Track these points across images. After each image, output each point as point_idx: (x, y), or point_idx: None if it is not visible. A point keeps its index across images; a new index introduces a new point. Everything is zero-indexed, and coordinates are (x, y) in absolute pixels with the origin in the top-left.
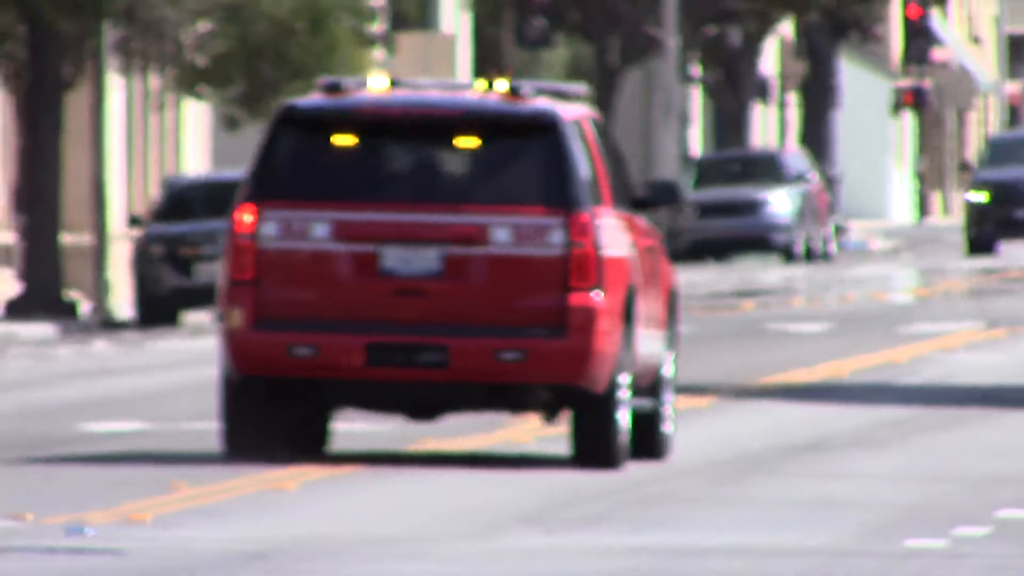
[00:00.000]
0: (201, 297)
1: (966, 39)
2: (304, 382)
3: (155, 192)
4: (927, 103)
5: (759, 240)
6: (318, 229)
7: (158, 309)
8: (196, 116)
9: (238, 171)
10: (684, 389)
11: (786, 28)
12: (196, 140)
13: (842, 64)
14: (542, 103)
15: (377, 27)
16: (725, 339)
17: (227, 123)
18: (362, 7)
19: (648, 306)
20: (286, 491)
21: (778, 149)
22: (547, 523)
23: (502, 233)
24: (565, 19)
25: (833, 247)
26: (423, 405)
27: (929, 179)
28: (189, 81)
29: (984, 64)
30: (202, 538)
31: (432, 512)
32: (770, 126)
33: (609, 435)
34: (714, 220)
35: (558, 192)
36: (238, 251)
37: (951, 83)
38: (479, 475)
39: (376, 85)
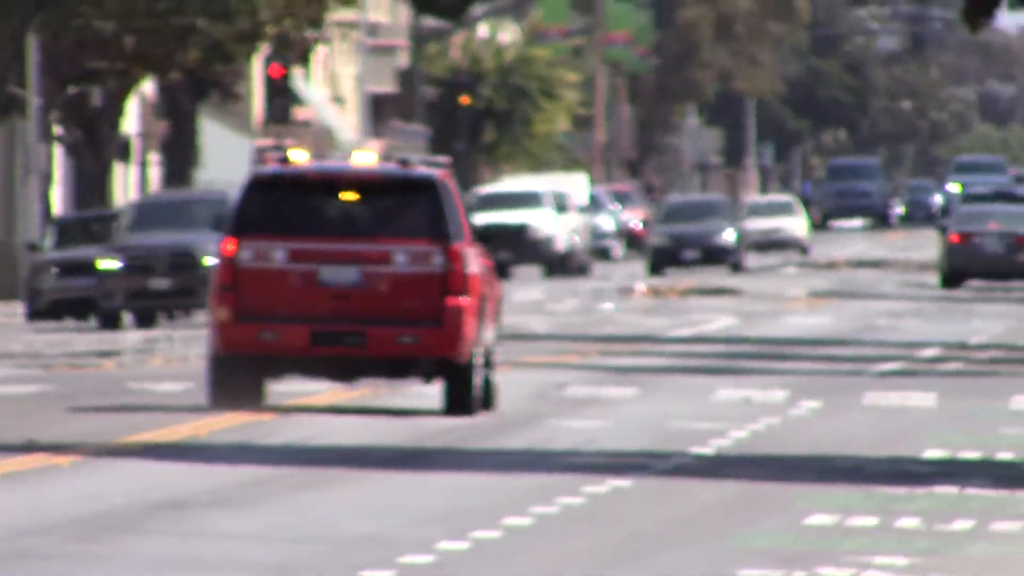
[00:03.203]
0: None
1: (329, 98)
2: (268, 358)
3: None
4: None
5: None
6: (278, 254)
7: None
8: None
9: None
10: (45, 448)
11: (149, 87)
12: None
13: (204, 123)
14: (424, 170)
15: None
16: (87, 397)
17: None
18: None
19: (489, 308)
20: None
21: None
22: None
23: (401, 257)
24: None
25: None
26: (348, 373)
27: None
28: None
29: (347, 123)
30: None
31: None
32: (133, 185)
33: (470, 393)
34: (74, 279)
35: (438, 230)
36: (224, 268)
37: (314, 141)
38: None
39: (302, 158)
